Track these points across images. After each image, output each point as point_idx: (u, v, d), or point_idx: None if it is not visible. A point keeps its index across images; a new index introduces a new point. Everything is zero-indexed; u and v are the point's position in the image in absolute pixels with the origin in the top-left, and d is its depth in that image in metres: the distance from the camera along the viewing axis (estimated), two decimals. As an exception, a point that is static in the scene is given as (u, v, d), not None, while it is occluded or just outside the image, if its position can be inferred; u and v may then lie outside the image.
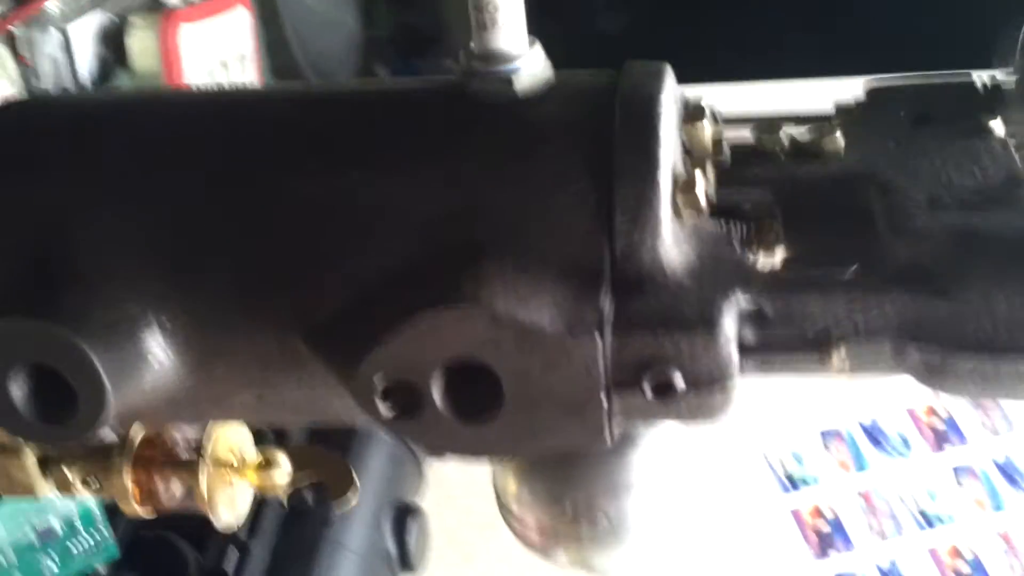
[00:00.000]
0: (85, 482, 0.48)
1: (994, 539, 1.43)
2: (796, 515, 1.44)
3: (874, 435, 1.50)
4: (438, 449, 0.38)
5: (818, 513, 1.45)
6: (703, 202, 0.38)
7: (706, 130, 0.41)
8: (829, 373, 0.37)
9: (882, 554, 1.41)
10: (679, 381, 0.36)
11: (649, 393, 0.36)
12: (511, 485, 0.46)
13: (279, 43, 1.49)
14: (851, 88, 0.50)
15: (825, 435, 1.50)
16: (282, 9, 1.48)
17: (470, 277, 0.36)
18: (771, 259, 0.42)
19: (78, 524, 0.88)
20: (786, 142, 0.45)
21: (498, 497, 0.47)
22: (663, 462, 0.45)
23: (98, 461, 0.47)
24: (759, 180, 0.44)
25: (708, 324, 0.36)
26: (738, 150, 0.45)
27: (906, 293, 0.37)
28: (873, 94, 0.49)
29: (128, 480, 0.47)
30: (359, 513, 1.14)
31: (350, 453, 1.11)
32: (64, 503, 0.86)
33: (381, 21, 1.66)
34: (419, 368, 0.36)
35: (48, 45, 0.95)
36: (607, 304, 0.36)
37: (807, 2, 1.45)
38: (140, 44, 1.01)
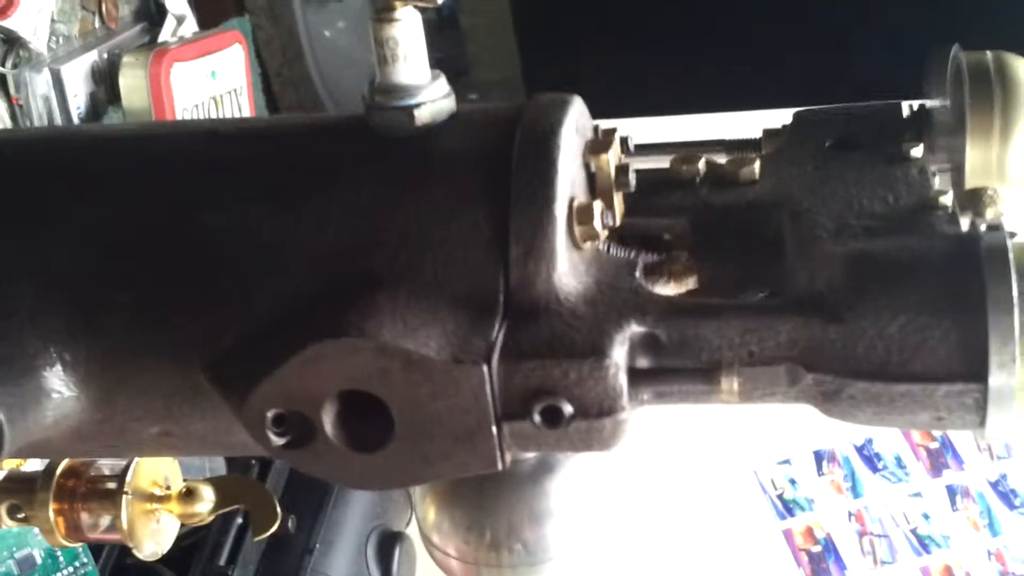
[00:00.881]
0: (11, 514, 0.48)
1: (988, 561, 1.41)
2: (788, 536, 1.42)
3: (868, 456, 1.49)
4: (332, 478, 0.38)
5: (810, 535, 1.43)
6: (601, 231, 0.38)
7: (611, 160, 0.40)
8: (724, 401, 0.37)
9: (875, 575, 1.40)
10: (567, 409, 0.35)
11: (538, 420, 0.36)
12: (431, 514, 0.46)
13: (303, 80, 1.50)
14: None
15: (818, 455, 1.49)
16: (306, 47, 1.49)
17: (357, 309, 0.36)
18: (679, 288, 0.42)
19: (59, 554, 0.88)
20: (702, 170, 0.45)
21: (419, 526, 0.47)
22: (580, 489, 0.45)
23: (22, 493, 0.47)
24: (673, 209, 0.44)
25: (597, 353, 0.35)
26: (654, 179, 0.45)
27: (800, 319, 0.36)
28: (799, 119, 0.48)
29: (51, 511, 0.47)
30: (343, 540, 1.13)
31: (336, 479, 1.10)
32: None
33: (406, 57, 1.67)
34: (308, 399, 0.36)
35: (40, 86, 0.96)
36: (498, 333, 0.36)
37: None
38: (131, 82, 1.02)
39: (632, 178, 0.41)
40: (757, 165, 0.44)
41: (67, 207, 0.41)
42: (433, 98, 0.40)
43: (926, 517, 1.42)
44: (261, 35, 1.37)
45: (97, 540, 0.48)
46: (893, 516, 1.41)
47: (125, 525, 0.47)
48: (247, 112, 1.17)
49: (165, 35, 1.07)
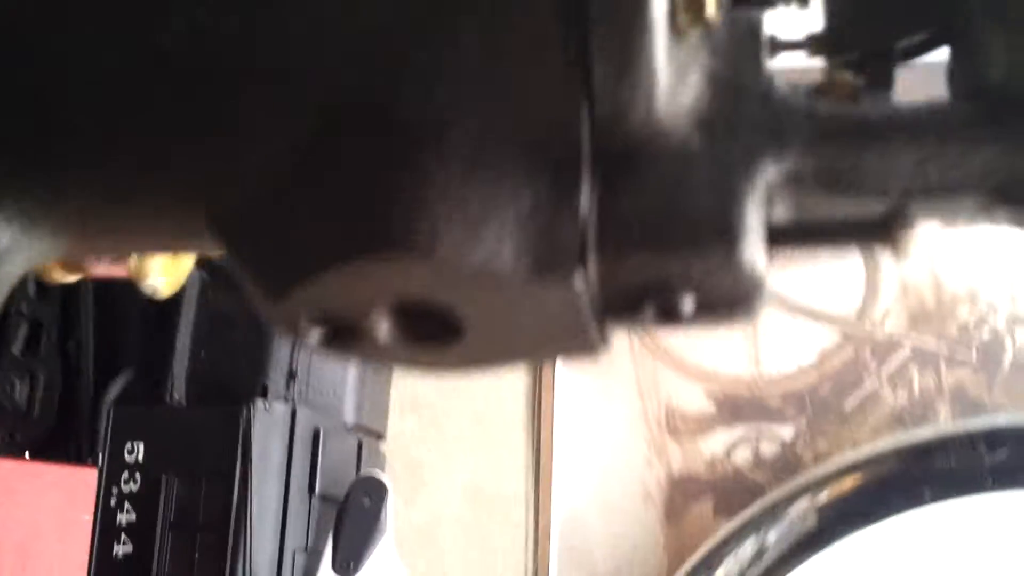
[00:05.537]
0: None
1: None
2: None
3: None
4: (386, 364, 0.30)
5: None
6: (714, 13, 0.27)
7: None
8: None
9: None
10: (688, 305, 0.27)
11: (651, 316, 0.28)
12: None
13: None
14: None
15: None
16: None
17: (402, 199, 0.26)
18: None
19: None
20: None
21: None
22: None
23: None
24: None
25: (728, 234, 0.26)
26: None
27: (1001, 144, 0.26)
28: None
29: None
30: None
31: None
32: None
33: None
34: (350, 311, 0.28)
35: None
36: (589, 208, 0.26)
37: None
38: None
39: None
40: None
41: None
42: None
43: None
44: None
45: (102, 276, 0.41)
46: None
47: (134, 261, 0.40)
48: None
49: None
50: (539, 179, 0.26)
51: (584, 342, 0.28)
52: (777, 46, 0.31)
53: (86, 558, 0.72)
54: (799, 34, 0.31)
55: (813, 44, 0.31)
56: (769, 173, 0.27)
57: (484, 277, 0.26)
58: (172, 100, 0.28)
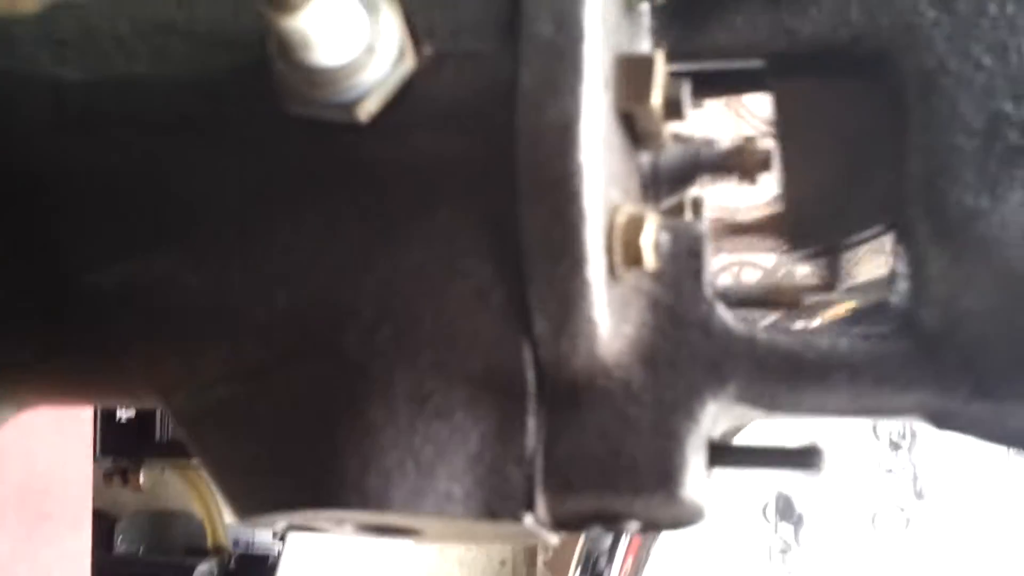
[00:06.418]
0: None
1: None
2: None
3: None
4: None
5: None
6: (651, 257, 0.27)
7: (658, 97, 0.26)
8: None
9: None
10: (634, 526, 0.29)
11: (600, 528, 0.29)
12: None
13: None
14: None
15: None
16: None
17: (350, 448, 0.27)
18: (751, 182, 0.31)
19: None
20: None
21: None
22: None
23: None
24: (740, 42, 0.30)
25: (668, 481, 0.27)
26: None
27: (935, 387, 0.27)
28: None
29: None
30: None
31: None
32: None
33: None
34: (317, 526, 0.29)
35: None
36: (535, 447, 0.28)
37: None
38: None
39: (687, 102, 0.27)
40: None
41: None
42: (379, 75, 0.25)
43: None
44: None
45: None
46: None
47: None
48: None
49: None
50: (486, 420, 0.27)
51: (537, 540, 0.30)
52: (737, 230, 0.31)
53: (89, 450, 0.76)
54: (758, 214, 0.31)
55: (773, 226, 0.31)
56: (709, 409, 0.28)
57: (440, 517, 0.27)
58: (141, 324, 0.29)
